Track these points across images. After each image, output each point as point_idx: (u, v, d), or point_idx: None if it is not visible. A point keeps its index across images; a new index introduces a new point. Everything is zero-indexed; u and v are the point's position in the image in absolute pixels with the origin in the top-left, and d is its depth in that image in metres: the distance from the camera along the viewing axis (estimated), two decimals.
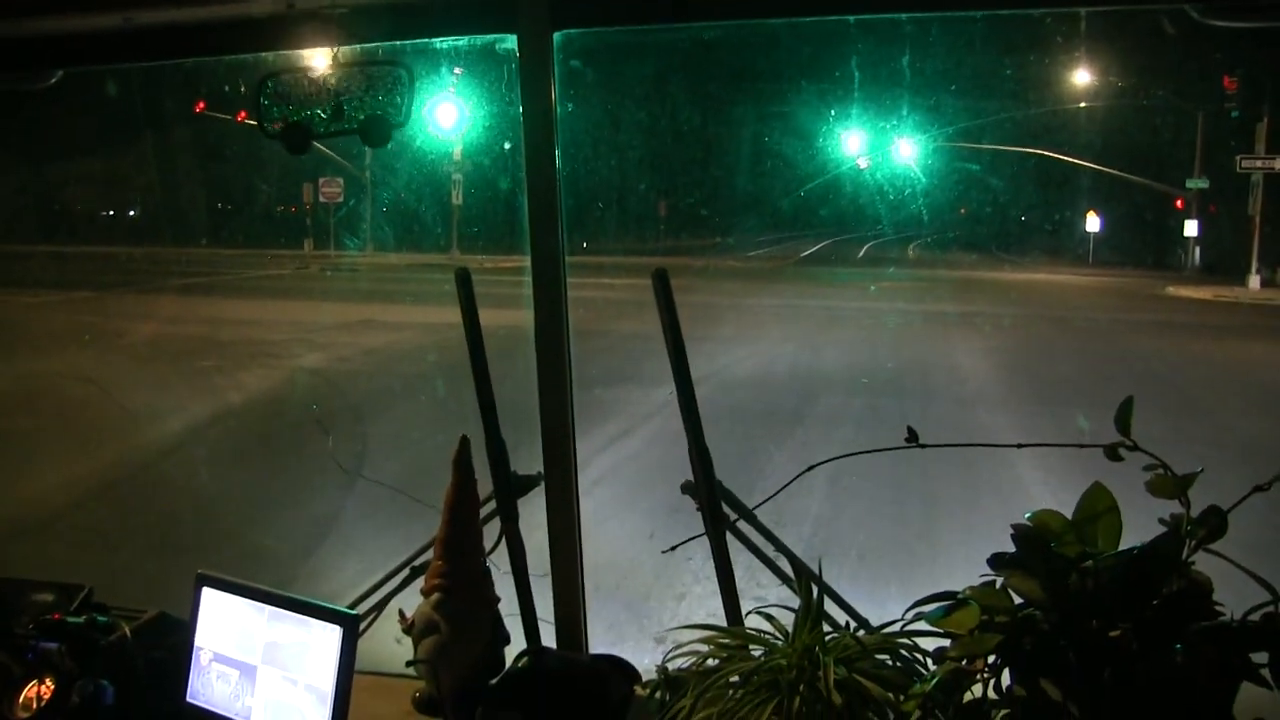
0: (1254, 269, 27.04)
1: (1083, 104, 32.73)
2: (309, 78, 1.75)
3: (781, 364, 12.96)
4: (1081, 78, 32.51)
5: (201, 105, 30.73)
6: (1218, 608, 1.38)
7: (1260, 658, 1.32)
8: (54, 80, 2.35)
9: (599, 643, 2.18)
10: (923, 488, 7.04)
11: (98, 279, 22.27)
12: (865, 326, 16.97)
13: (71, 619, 2.02)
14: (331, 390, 11.30)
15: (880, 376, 11.94)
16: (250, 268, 27.39)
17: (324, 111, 1.74)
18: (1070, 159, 32.52)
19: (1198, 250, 32.07)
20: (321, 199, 32.76)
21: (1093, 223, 35.63)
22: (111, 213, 41.46)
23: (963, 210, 39.24)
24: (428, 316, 16.79)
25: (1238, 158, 28.23)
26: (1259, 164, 27.90)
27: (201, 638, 1.97)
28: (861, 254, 37.00)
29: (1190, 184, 31.51)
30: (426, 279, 24.17)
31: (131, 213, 40.74)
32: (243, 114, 30.92)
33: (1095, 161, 32.77)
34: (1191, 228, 31.72)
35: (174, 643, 2.02)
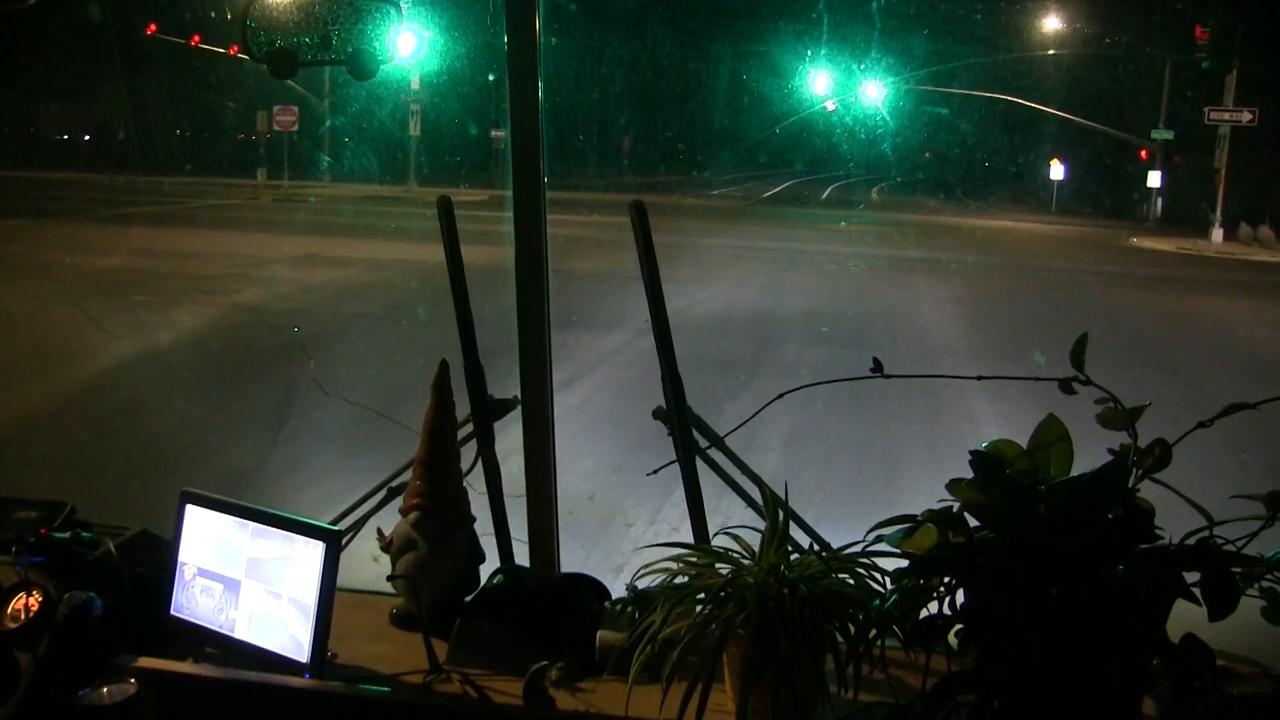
0: (1216, 222, 27.08)
1: (1051, 50, 32.58)
2: (298, 5, 1.76)
3: (739, 310, 12.68)
4: (1051, 24, 32.41)
5: (153, 28, 29.67)
6: (1158, 532, 1.47)
7: (1193, 577, 1.41)
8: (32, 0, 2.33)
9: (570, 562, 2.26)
10: (885, 447, 7.04)
11: (42, 206, 21.49)
12: (827, 273, 16.79)
13: (58, 534, 2.07)
14: (265, 330, 10.68)
15: (841, 325, 11.78)
16: (201, 197, 26.58)
17: (311, 39, 1.75)
18: (1037, 106, 32.34)
19: (1159, 201, 31.96)
20: (276, 127, 31.82)
21: (1057, 170, 35.49)
22: (88, 137, 40.49)
23: (928, 154, 39.21)
24: (375, 252, 16.43)
25: (1205, 109, 27.98)
26: (1226, 116, 27.69)
27: (186, 553, 2.02)
28: (826, 195, 36.53)
29: (1155, 134, 31.31)
30: (380, 211, 23.56)
31: (86, 138, 39.83)
32: (196, 38, 30.05)
33: (1062, 109, 32.58)
34: (1155, 178, 31.54)
35: (157, 559, 2.07)
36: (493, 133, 34.72)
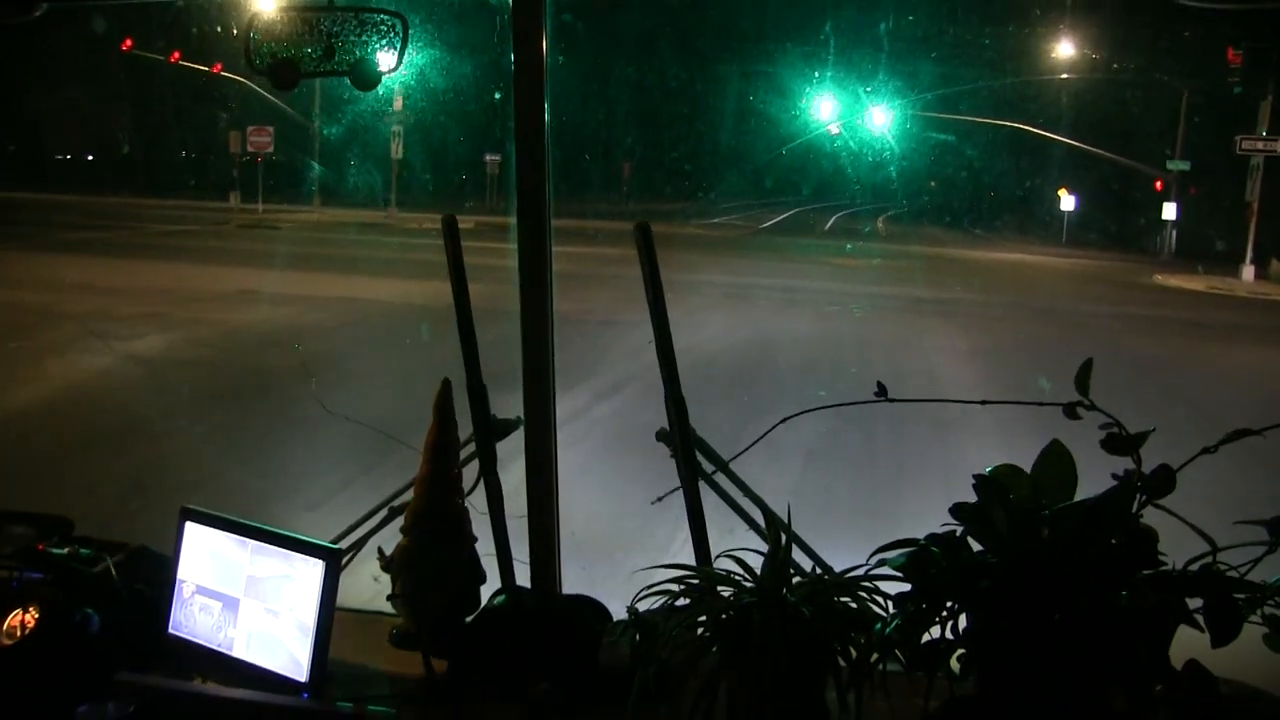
0: (1248, 259, 24.89)
1: (1064, 75, 31.28)
2: (302, 16, 1.77)
3: (724, 366, 10.50)
4: (1063, 50, 31.06)
5: (129, 43, 29.42)
6: (1161, 558, 1.47)
7: (1196, 603, 1.41)
8: (39, 13, 2.35)
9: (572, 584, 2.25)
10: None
11: None
12: (826, 316, 14.86)
13: (55, 550, 2.06)
14: (153, 387, 9.15)
15: (841, 385, 9.56)
16: (166, 222, 25.33)
17: (314, 50, 1.76)
18: (1046, 133, 31.26)
19: (1174, 234, 30.37)
20: (250, 148, 30.55)
21: (1067, 201, 34.13)
22: (68, 157, 40.25)
23: (932, 184, 38.32)
24: (323, 288, 14.84)
25: (1237, 138, 25.52)
26: (1260, 146, 25.28)
27: (184, 570, 2.01)
28: (830, 225, 35.18)
29: (1171, 165, 29.79)
30: (350, 240, 22.69)
31: (68, 157, 39.41)
32: (176, 55, 29.60)
33: (1071, 136, 31.50)
34: (1170, 210, 29.83)
35: (156, 576, 2.06)
36: (487, 157, 33.84)
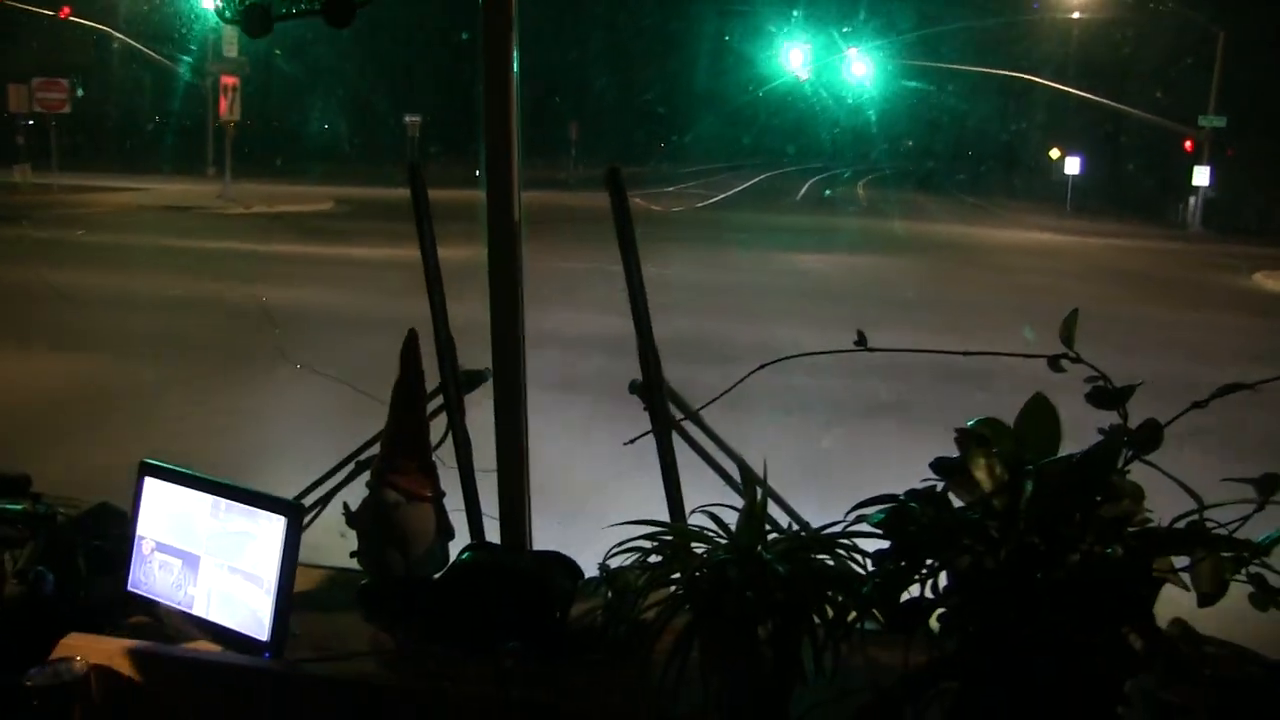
0: None
1: (1074, 14, 26.63)
2: None
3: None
4: None
5: None
6: (1147, 514, 1.43)
7: (1183, 562, 1.37)
8: None
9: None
10: None
11: None
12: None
13: (10, 506, 2.00)
14: None
15: None
16: None
17: None
18: (1052, 83, 26.49)
19: (1199, 204, 25.60)
20: (37, 107, 24.69)
21: (1071, 164, 29.48)
22: None
23: (909, 143, 35.20)
24: None
25: None
26: None
27: (144, 527, 1.95)
28: (802, 193, 30.14)
29: (1204, 121, 25.16)
30: (118, 224, 18.67)
31: None
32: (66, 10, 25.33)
33: (1082, 88, 26.60)
34: (1201, 175, 24.98)
35: (115, 532, 2.00)
36: (407, 118, 29.60)
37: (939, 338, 10.30)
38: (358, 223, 19.98)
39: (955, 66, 28.57)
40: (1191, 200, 25.80)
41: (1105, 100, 26.42)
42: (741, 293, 13.37)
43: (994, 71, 27.76)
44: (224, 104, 24.11)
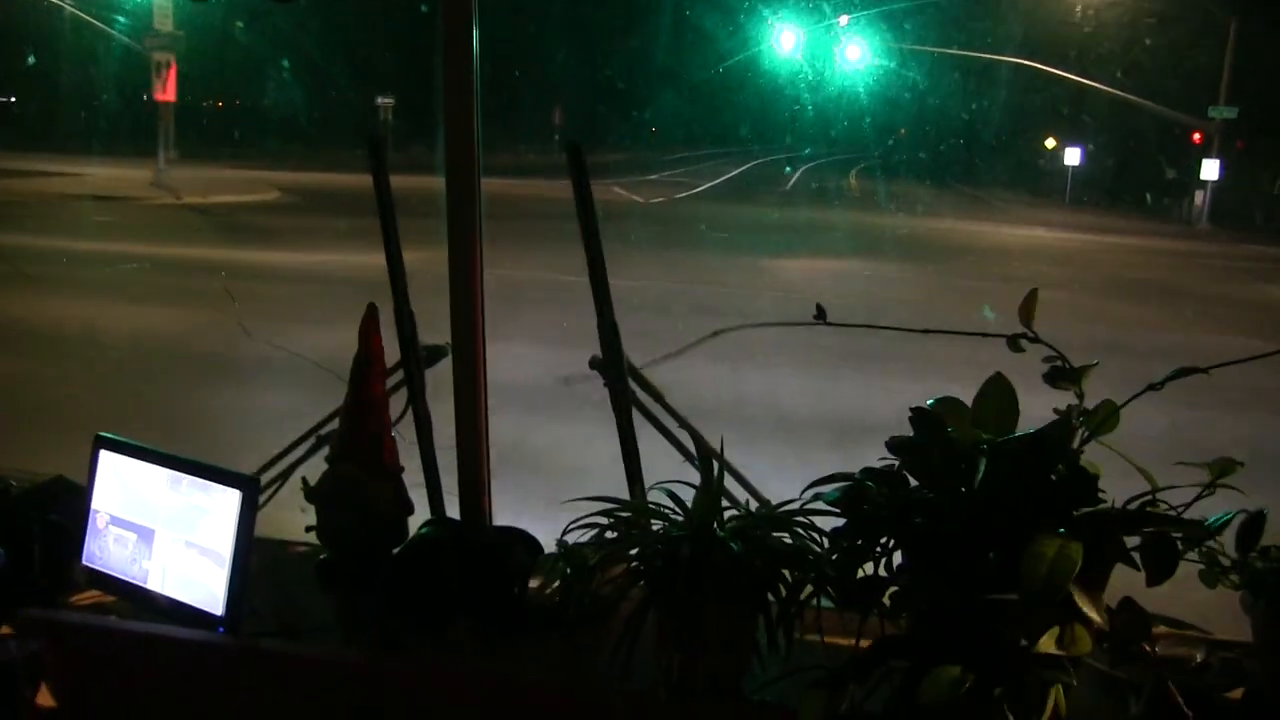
0: None
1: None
2: None
3: None
4: None
5: None
6: (1101, 494, 1.43)
7: (1135, 542, 1.37)
8: None
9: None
10: None
11: None
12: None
13: None
14: None
15: None
16: None
17: None
18: (1053, 70, 25.45)
19: (1207, 199, 24.44)
20: None
21: (1071, 155, 28.71)
22: None
23: (902, 131, 33.93)
24: None
25: None
26: None
27: (99, 501, 1.93)
28: (791, 184, 28.87)
29: (1214, 112, 24.12)
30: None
31: None
32: None
33: (1085, 76, 25.52)
34: (1211, 169, 23.82)
35: (70, 507, 1.98)
36: (379, 100, 28.10)
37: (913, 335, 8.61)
38: (299, 218, 17.79)
39: (956, 52, 27.55)
40: (1199, 195, 24.69)
41: (1109, 89, 25.37)
42: (714, 308, 10.20)
43: (996, 58, 26.66)
44: (156, 83, 21.67)
